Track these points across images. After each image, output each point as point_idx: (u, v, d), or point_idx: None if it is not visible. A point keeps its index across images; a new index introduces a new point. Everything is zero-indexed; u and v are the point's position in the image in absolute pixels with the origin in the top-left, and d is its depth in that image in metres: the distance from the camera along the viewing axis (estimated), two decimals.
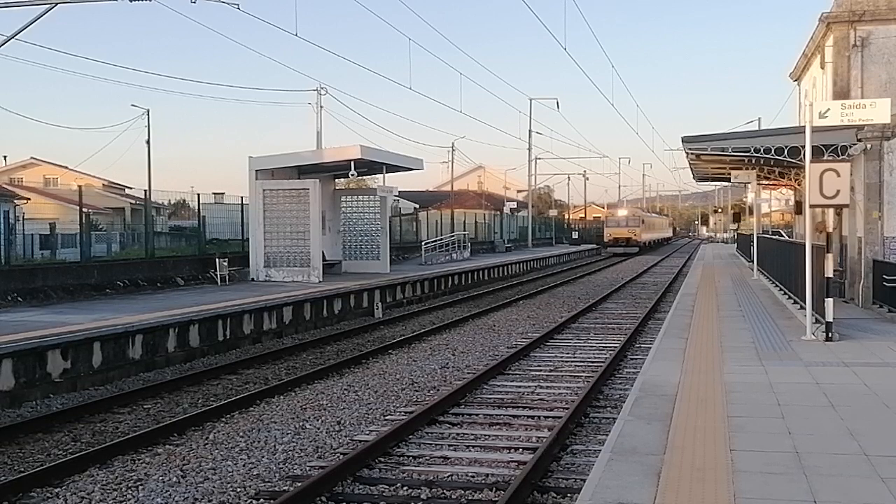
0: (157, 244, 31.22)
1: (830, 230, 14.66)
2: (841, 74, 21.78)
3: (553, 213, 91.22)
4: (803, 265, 14.53)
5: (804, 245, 14.61)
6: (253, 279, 27.30)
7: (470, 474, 8.73)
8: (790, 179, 28.23)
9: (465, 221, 55.72)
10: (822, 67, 24.48)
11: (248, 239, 29.08)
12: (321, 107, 42.74)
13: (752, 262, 32.88)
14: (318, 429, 10.77)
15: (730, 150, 22.24)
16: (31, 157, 67.39)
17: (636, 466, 6.67)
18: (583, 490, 6.29)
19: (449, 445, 9.91)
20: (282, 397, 12.81)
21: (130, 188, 56.15)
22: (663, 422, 8.16)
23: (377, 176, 36.63)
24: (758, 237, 32.51)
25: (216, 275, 26.76)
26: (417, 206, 61.86)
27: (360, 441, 10.09)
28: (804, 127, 14.43)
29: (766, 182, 31.88)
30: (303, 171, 29.18)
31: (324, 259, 28.01)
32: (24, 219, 30.97)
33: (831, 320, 13.63)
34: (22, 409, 12.52)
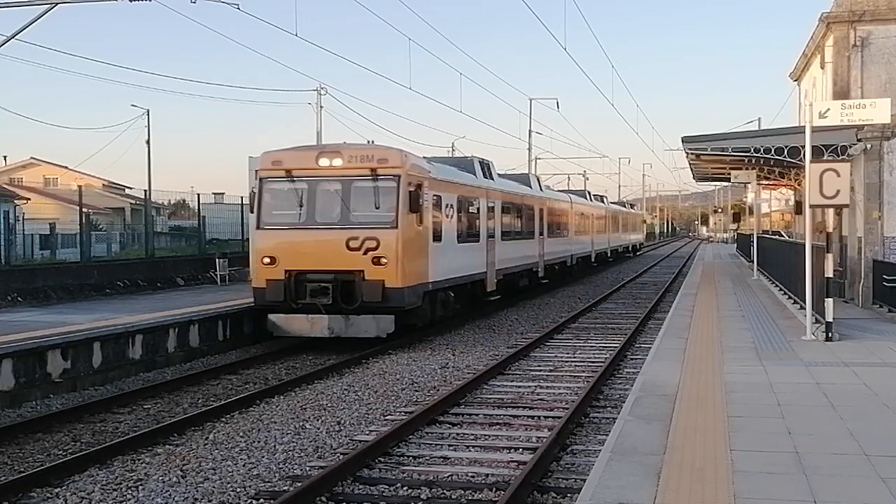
0: (157, 244, 31.24)
1: (830, 230, 14.66)
2: (841, 74, 21.79)
3: None
4: (803, 265, 14.53)
5: (804, 245, 14.61)
6: None
7: (470, 474, 8.72)
8: (790, 179, 28.25)
9: None
10: (822, 67, 24.48)
11: (248, 239, 29.04)
12: (321, 107, 42.73)
13: (752, 262, 32.90)
14: (318, 429, 10.77)
15: (730, 150, 22.26)
16: (31, 157, 67.35)
17: (636, 466, 6.67)
18: (583, 490, 6.29)
19: (449, 445, 9.91)
20: (282, 397, 12.80)
21: (130, 188, 56.15)
22: (663, 422, 8.16)
23: None
24: (758, 237, 32.54)
25: (216, 275, 26.77)
26: None
27: (360, 441, 10.09)
28: (804, 127, 14.44)
29: (766, 182, 31.92)
30: None
31: None
32: (24, 219, 30.99)
33: (831, 320, 13.64)
34: (22, 409, 12.51)
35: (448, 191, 19.67)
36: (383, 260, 16.56)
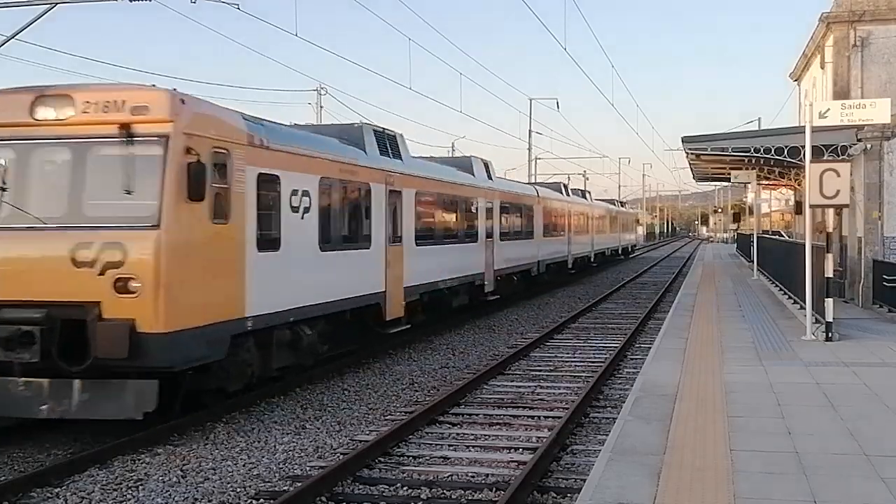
0: None
1: (830, 230, 14.68)
2: (841, 74, 21.82)
3: None
4: (803, 265, 14.54)
5: (804, 245, 14.63)
6: None
7: (470, 474, 8.72)
8: (790, 179, 28.28)
9: None
10: (822, 67, 24.51)
11: None
12: (321, 107, 42.73)
13: (752, 262, 32.92)
14: (318, 429, 10.77)
15: (730, 150, 22.30)
16: None
17: (636, 466, 6.67)
18: (583, 490, 6.30)
19: (449, 445, 9.91)
20: (282, 397, 12.80)
21: None
22: (663, 422, 8.17)
23: None
24: (758, 237, 32.57)
25: None
26: None
27: (360, 441, 10.09)
28: (804, 127, 14.47)
29: (766, 182, 31.97)
30: None
31: None
32: None
33: (831, 320, 13.65)
34: None
35: (298, 168, 12.68)
36: (133, 284, 9.58)
